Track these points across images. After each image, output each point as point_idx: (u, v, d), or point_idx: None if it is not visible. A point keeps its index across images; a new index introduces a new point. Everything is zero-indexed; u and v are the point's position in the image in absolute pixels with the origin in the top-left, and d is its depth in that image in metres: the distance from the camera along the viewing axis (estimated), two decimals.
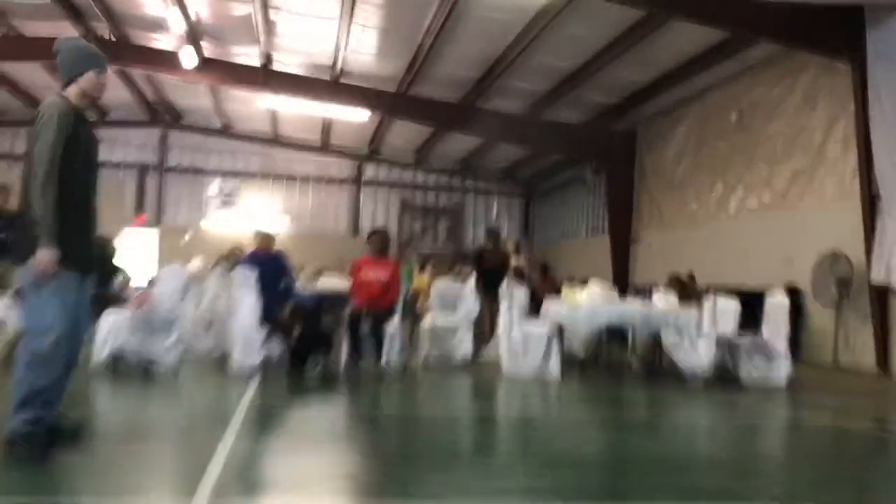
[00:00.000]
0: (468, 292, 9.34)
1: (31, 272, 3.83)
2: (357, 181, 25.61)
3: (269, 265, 7.86)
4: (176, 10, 13.52)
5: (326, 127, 22.35)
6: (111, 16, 15.01)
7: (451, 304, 9.55)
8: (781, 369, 8.79)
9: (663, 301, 8.91)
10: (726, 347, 8.97)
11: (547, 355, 8.50)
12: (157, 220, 24.08)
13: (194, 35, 15.27)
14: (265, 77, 17.05)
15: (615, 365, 10.34)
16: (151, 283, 9.59)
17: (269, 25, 14.73)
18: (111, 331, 7.01)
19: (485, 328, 10.75)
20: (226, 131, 24.05)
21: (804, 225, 12.73)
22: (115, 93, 19.95)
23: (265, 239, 8.00)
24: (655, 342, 9.16)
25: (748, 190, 14.50)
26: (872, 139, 10.95)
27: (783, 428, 6.72)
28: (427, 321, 9.30)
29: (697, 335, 8.34)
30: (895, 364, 10.89)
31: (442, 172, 25.75)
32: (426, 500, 3.48)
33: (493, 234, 12.23)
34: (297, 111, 19.69)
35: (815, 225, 12.44)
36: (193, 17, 14.48)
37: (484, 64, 15.41)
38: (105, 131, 22.16)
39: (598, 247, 20.24)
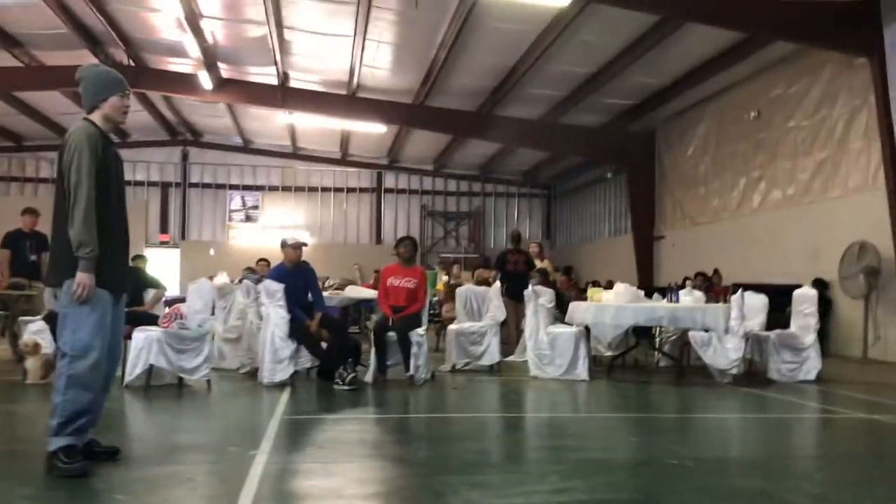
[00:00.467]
0: (493, 296, 9.35)
1: (68, 294, 3.90)
2: (378, 190, 25.73)
3: (295, 277, 7.92)
4: (190, 35, 13.68)
5: (345, 139, 22.49)
6: (128, 42, 15.25)
7: (476, 308, 9.56)
8: (811, 364, 8.73)
9: (690, 299, 8.86)
10: (755, 343, 8.92)
11: (574, 357, 8.49)
12: (181, 237, 24.33)
13: (211, 57, 15.45)
14: (283, 94, 17.27)
15: (643, 365, 10.32)
16: (179, 298, 9.71)
17: (285, 45, 14.90)
18: (143, 348, 7.09)
19: (511, 332, 10.77)
20: (246, 147, 24.30)
21: (830, 217, 12.64)
22: (135, 115, 20.20)
23: (292, 250, 8.05)
24: (683, 340, 9.11)
25: (771, 184, 14.42)
26: (895, 130, 10.87)
27: (816, 424, 6.67)
28: (453, 327, 9.32)
29: (725, 332, 8.28)
30: None
31: (462, 178, 25.81)
32: None
33: (515, 236, 12.24)
34: (316, 125, 19.86)
35: (841, 216, 12.36)
36: (210, 41, 14.65)
37: (499, 73, 15.46)
38: (127, 152, 22.46)
39: (622, 246, 20.18)
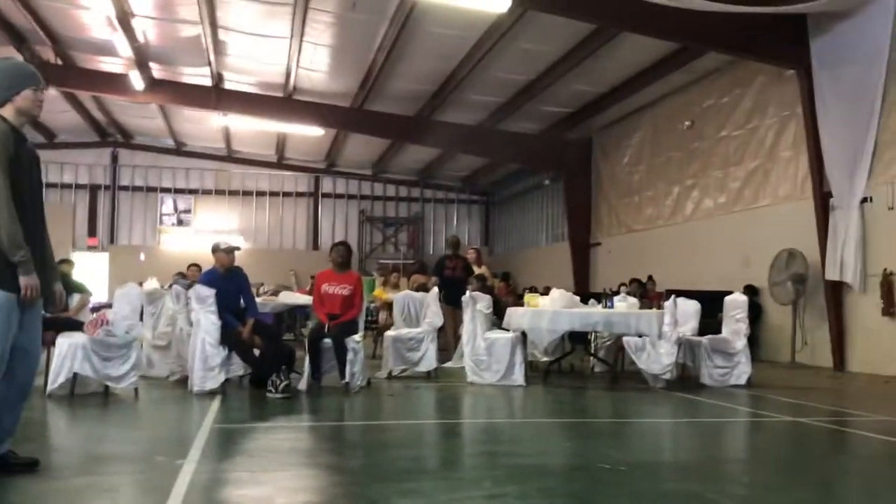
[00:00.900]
0: (431, 302, 9.30)
1: None
2: (315, 194, 25.48)
3: (227, 282, 7.73)
4: (121, 34, 13.31)
5: (281, 142, 22.23)
6: (56, 39, 14.78)
7: (413, 315, 9.50)
8: (741, 369, 8.92)
9: (624, 304, 8.97)
10: (687, 348, 9.07)
11: (511, 363, 8.50)
12: (110, 241, 23.68)
13: (143, 57, 15.08)
14: (217, 96, 16.94)
15: (579, 370, 10.41)
16: (107, 304, 9.40)
17: (219, 45, 14.63)
18: (67, 355, 6.83)
19: (449, 338, 10.73)
20: (178, 149, 23.80)
21: (760, 225, 12.98)
22: (63, 115, 19.66)
23: (224, 254, 7.86)
24: (617, 346, 9.21)
25: (704, 193, 14.76)
26: (822, 140, 11.22)
27: (745, 428, 6.80)
28: (390, 333, 9.23)
29: (659, 337, 8.39)
30: (851, 360, 11.11)
31: (401, 183, 25.75)
32: None
33: (453, 242, 12.22)
34: (251, 128, 19.58)
35: (771, 224, 12.70)
36: (141, 40, 14.29)
37: (438, 78, 15.47)
38: (54, 153, 21.83)
39: (559, 253, 20.38)
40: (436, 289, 9.75)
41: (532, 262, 23.11)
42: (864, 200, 10.78)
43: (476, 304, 8.78)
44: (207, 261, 8.44)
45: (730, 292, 9.84)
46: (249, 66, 15.76)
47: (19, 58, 13.90)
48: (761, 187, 13.15)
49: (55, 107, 18.39)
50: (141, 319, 8.13)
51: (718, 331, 9.36)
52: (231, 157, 24.21)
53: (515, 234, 25.36)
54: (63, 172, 22.94)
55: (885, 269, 10.41)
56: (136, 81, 15.44)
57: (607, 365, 9.66)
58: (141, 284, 8.72)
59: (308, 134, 19.45)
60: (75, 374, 6.89)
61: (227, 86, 16.96)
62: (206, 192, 24.47)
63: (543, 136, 18.76)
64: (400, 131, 18.59)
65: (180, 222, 24.29)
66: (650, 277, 14.66)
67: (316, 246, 24.84)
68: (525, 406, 7.58)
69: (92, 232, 23.65)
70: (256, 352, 7.64)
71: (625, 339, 8.60)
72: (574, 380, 9.64)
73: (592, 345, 10.14)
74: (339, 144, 21.87)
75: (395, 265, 21.40)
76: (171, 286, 9.13)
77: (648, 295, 13.09)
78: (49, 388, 6.77)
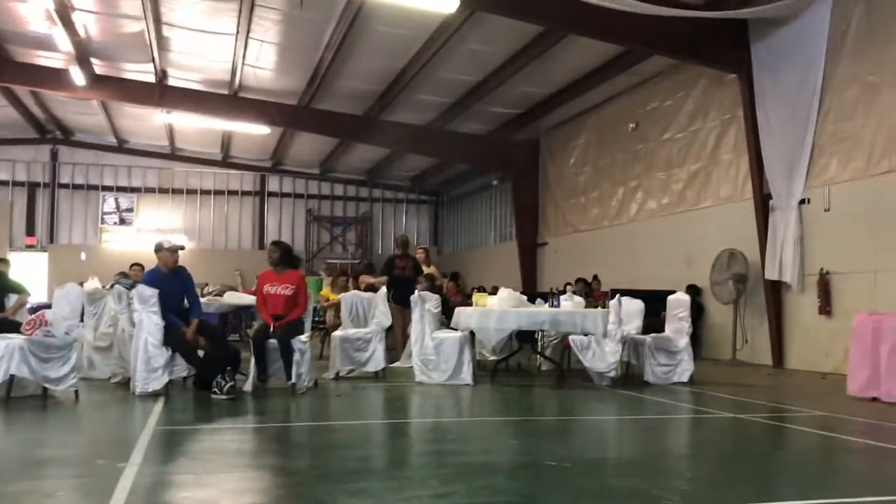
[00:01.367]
0: (379, 302, 9.27)
1: None
2: (261, 193, 25.21)
3: (171, 282, 7.61)
4: (61, 28, 12.98)
5: (226, 140, 21.93)
6: None
7: (361, 315, 9.46)
8: (684, 366, 9.10)
9: (570, 304, 9.07)
10: (631, 346, 9.22)
11: (459, 362, 8.54)
12: (49, 240, 23.07)
13: (84, 52, 14.73)
14: (161, 92, 16.64)
15: (526, 369, 10.50)
16: (45, 305, 9.16)
17: (163, 42, 14.36)
18: (3, 356, 6.63)
19: (397, 338, 10.72)
20: (121, 147, 23.31)
21: (702, 225, 13.25)
22: (0, 110, 19.08)
23: (168, 254, 7.72)
24: (564, 344, 9.32)
25: (648, 194, 15.00)
26: (761, 143, 11.51)
27: (687, 424, 6.93)
28: (338, 333, 9.18)
29: (604, 336, 8.52)
30: (789, 357, 11.42)
31: (349, 182, 25.62)
32: None
33: (402, 242, 12.21)
34: (196, 125, 19.28)
35: (713, 225, 12.97)
36: (82, 34, 13.95)
37: (387, 78, 15.44)
38: None
39: (507, 253, 20.51)
40: (384, 288, 9.72)
41: (480, 261, 23.22)
42: (802, 202, 11.09)
43: (425, 304, 8.79)
44: (150, 260, 8.28)
45: (673, 292, 10.05)
46: (194, 62, 15.51)
47: None
48: (703, 189, 13.44)
49: None
50: (81, 320, 7.96)
51: (662, 329, 9.54)
52: (175, 155, 23.79)
53: (464, 233, 25.45)
54: None
55: (822, 269, 10.72)
56: (77, 77, 15.06)
57: (554, 363, 9.77)
58: (81, 284, 8.52)
59: (254, 132, 19.22)
60: (12, 377, 6.69)
61: (172, 82, 16.66)
62: (150, 191, 24.01)
63: (492, 137, 18.87)
64: (348, 130, 18.50)
65: (123, 221, 23.79)
66: (595, 277, 14.85)
67: (262, 245, 24.52)
68: (472, 405, 7.61)
69: (30, 231, 23.01)
70: (201, 353, 7.54)
71: (571, 337, 8.72)
72: (521, 378, 9.72)
73: (539, 343, 10.23)
74: (286, 143, 21.67)
75: (344, 266, 21.27)
76: (112, 286, 8.95)
77: (594, 294, 13.25)
78: None
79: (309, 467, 4.60)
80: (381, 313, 9.16)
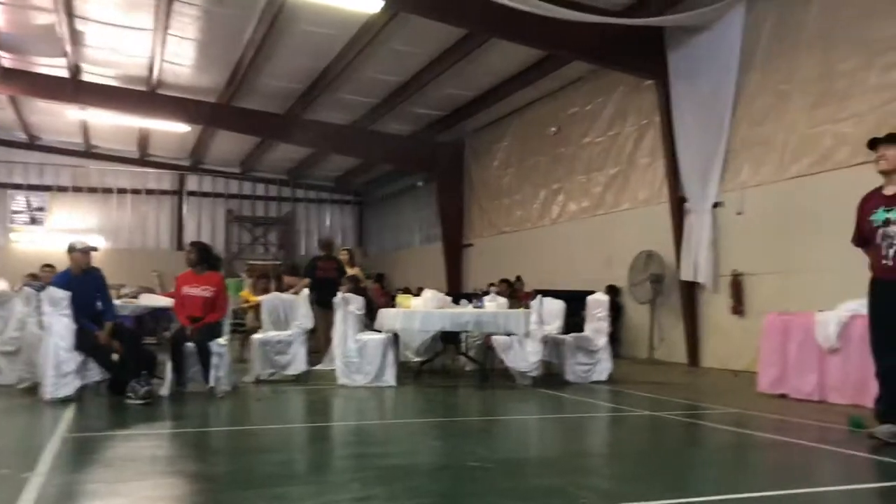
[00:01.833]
0: (301, 304, 9.16)
1: None
2: (179, 193, 24.63)
3: (84, 284, 7.35)
4: None
5: (144, 138, 21.35)
6: None
7: (283, 317, 9.33)
8: (603, 365, 9.29)
9: (494, 304, 9.15)
10: (553, 346, 9.35)
11: (383, 364, 8.51)
12: None
13: None
14: (74, 88, 16.08)
15: (450, 369, 10.53)
16: None
17: (77, 35, 13.89)
18: None
19: (320, 340, 10.61)
20: (31, 143, 22.41)
21: (621, 227, 13.54)
22: None
23: (80, 254, 7.46)
24: (487, 345, 9.39)
25: (569, 196, 15.25)
26: (677, 148, 11.84)
27: (606, 422, 7.07)
28: (258, 336, 9.03)
29: (526, 336, 8.62)
30: (703, 355, 11.77)
31: (271, 182, 25.26)
32: None
33: (326, 243, 12.09)
34: (111, 122, 18.70)
35: (631, 227, 13.27)
36: None
37: (309, 76, 15.29)
38: None
39: (432, 254, 20.55)
40: (306, 290, 9.61)
41: (406, 262, 23.20)
42: (716, 205, 11.45)
43: (348, 306, 8.72)
44: (63, 261, 7.99)
45: (593, 292, 10.23)
46: (110, 57, 15.04)
47: None
48: (622, 192, 13.74)
49: None
50: None
51: (582, 329, 9.71)
52: (90, 153, 23.01)
53: (389, 235, 25.38)
54: None
55: (734, 270, 11.09)
56: None
57: (477, 364, 9.82)
58: None
59: (173, 130, 18.77)
60: None
61: (86, 78, 16.11)
62: (63, 189, 23.18)
63: (416, 138, 18.88)
64: (269, 129, 18.23)
65: (33, 221, 22.89)
66: (519, 278, 15.02)
67: (181, 246, 23.95)
68: (396, 407, 7.60)
69: None
70: (115, 356, 7.30)
71: (493, 338, 8.79)
72: (445, 379, 9.74)
73: (463, 344, 10.28)
74: (206, 141, 21.22)
75: (265, 268, 20.93)
76: (21, 288, 8.61)
77: (517, 295, 13.40)
78: None
79: (227, 473, 4.50)
80: (303, 315, 9.06)
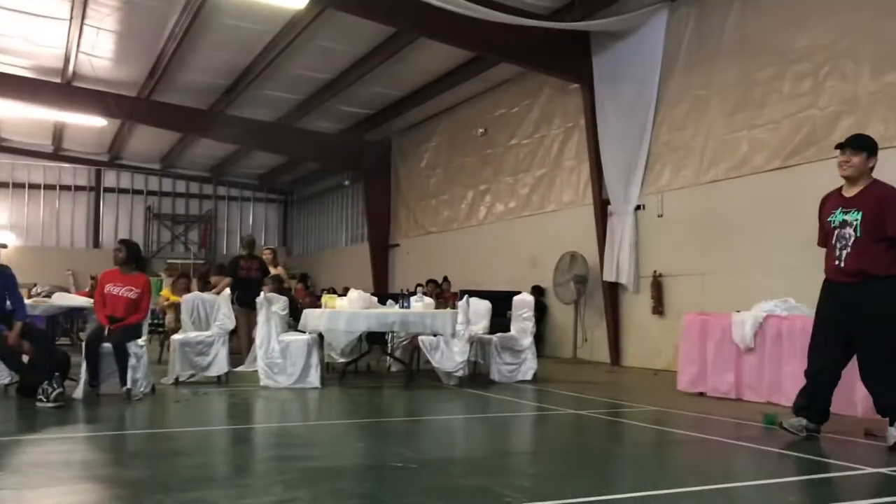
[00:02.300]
0: (222, 304, 8.96)
1: None
2: (96, 189, 23.87)
3: None
4: None
5: (59, 132, 20.58)
6: None
7: (203, 317, 9.10)
8: (528, 365, 9.37)
9: (420, 304, 9.13)
10: (479, 346, 9.39)
11: (307, 365, 8.40)
12: None
13: None
14: None
15: (375, 370, 10.47)
16: None
17: None
18: None
19: (242, 341, 10.41)
20: None
21: (546, 229, 13.71)
22: None
23: None
24: (413, 345, 9.36)
25: (496, 197, 15.37)
26: (601, 151, 12.05)
27: (531, 422, 7.13)
28: (177, 337, 8.79)
29: (452, 336, 8.63)
30: (625, 355, 12.01)
31: (192, 179, 24.70)
32: None
33: (248, 242, 11.87)
34: (24, 115, 17.96)
35: (556, 229, 13.45)
36: None
37: (234, 72, 15.03)
38: None
39: (359, 254, 20.43)
40: (228, 290, 9.40)
41: (332, 262, 22.99)
42: (638, 208, 11.69)
43: (271, 306, 8.57)
44: None
45: (518, 292, 10.32)
46: (21, 47, 14.44)
47: None
48: (548, 193, 13.91)
49: None
50: None
51: (508, 329, 9.78)
52: (0, 147, 22.06)
53: (315, 234, 25.12)
54: None
55: (655, 271, 11.35)
56: None
57: (403, 364, 9.79)
58: None
59: (89, 124, 18.13)
60: None
61: None
62: None
63: (343, 137, 18.73)
64: (191, 124, 17.81)
65: None
66: (445, 278, 15.05)
67: (97, 244, 23.26)
68: (320, 408, 7.50)
69: None
70: (25, 358, 7.00)
71: (420, 338, 8.77)
72: (370, 380, 9.68)
73: (389, 345, 10.23)
74: (124, 136, 20.60)
75: (185, 267, 20.47)
76: None
77: (444, 295, 13.44)
78: None
79: (144, 477, 4.35)
80: (224, 315, 8.86)
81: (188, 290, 11.18)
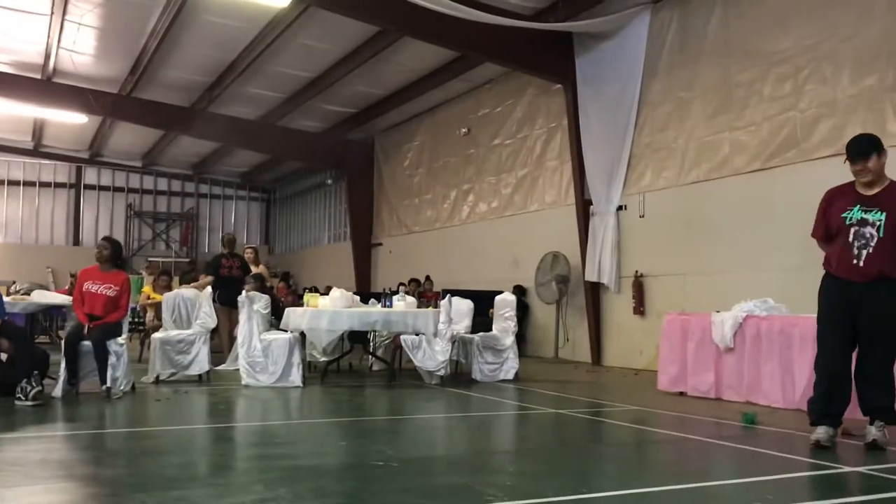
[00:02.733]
0: (204, 302, 8.92)
1: None
2: (77, 186, 23.66)
3: None
4: None
5: (39, 128, 20.39)
6: None
7: (184, 315, 9.05)
8: (510, 364, 9.40)
9: (403, 303, 9.13)
10: (461, 345, 9.41)
11: (288, 364, 8.38)
12: None
13: None
14: None
15: (357, 369, 10.46)
16: None
17: None
18: None
19: (223, 339, 10.37)
20: None
21: (529, 229, 13.75)
22: None
23: None
24: (395, 344, 9.36)
25: (479, 197, 15.39)
26: (584, 151, 12.10)
27: (512, 420, 7.15)
28: (158, 335, 8.74)
29: (434, 335, 8.64)
30: (606, 354, 12.06)
31: (174, 176, 24.56)
32: None
33: (229, 240, 11.83)
34: (3, 111, 17.78)
35: (538, 228, 13.49)
36: None
37: (216, 69, 14.95)
38: None
39: (341, 253, 20.39)
40: (209, 288, 9.36)
41: (314, 261, 22.93)
42: (620, 208, 11.75)
43: (253, 305, 8.55)
44: None
45: (500, 292, 10.34)
46: (1, 42, 14.29)
47: None
48: (530, 193, 13.95)
49: None
50: None
51: (490, 328, 9.80)
52: None
53: (297, 232, 25.04)
54: None
55: (636, 272, 11.41)
56: None
57: (385, 363, 9.79)
58: None
59: (70, 120, 17.98)
60: None
61: None
62: None
63: (326, 135, 18.69)
64: (173, 122, 17.70)
65: None
66: (428, 277, 15.06)
67: (77, 241, 23.07)
68: (301, 407, 7.48)
69: None
70: (4, 356, 6.94)
71: (402, 337, 8.77)
72: (352, 379, 9.67)
73: (371, 344, 10.23)
74: (106, 133, 20.44)
75: (167, 265, 20.34)
76: None
77: (426, 294, 13.44)
78: None
79: (124, 476, 4.33)
80: (206, 314, 8.82)
81: (169, 288, 11.14)
